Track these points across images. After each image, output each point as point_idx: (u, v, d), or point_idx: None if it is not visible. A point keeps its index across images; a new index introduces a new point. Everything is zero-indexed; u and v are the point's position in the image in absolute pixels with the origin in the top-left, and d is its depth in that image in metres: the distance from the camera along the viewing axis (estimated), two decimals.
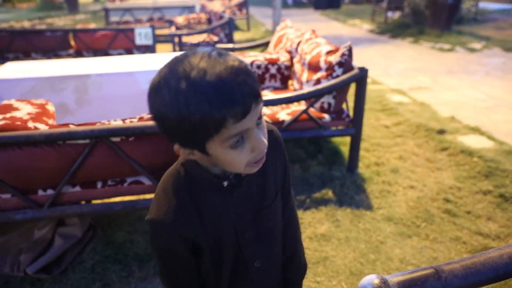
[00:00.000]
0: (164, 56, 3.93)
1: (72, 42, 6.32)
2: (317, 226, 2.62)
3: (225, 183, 0.85)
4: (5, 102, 2.51)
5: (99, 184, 2.27)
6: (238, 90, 0.66)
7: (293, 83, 3.94)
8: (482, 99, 5.06)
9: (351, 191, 2.99)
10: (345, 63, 3.08)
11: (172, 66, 0.68)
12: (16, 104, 2.44)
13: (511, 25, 10.74)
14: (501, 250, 1.12)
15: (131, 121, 2.22)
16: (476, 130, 3.96)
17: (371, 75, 6.37)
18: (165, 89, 0.67)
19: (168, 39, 7.24)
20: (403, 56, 7.84)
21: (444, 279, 1.07)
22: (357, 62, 3.13)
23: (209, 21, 8.60)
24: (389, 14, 11.92)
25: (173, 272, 0.93)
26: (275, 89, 3.97)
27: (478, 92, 5.33)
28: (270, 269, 1.01)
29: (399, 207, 2.81)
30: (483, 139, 3.75)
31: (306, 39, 3.82)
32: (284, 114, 3.10)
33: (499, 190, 2.88)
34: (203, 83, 0.65)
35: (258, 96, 0.71)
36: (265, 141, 0.76)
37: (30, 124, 2.18)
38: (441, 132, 3.91)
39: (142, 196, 2.40)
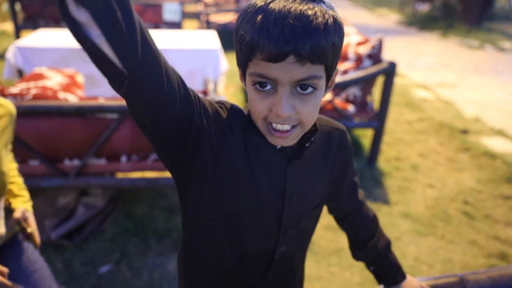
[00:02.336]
0: (191, 33, 3.93)
1: None
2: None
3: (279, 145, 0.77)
4: (36, 69, 2.55)
5: (123, 158, 2.31)
6: (279, 30, 0.61)
7: None
8: (509, 101, 4.95)
9: (369, 185, 2.98)
10: (375, 56, 3.04)
11: None
12: (47, 73, 2.48)
13: None
14: None
15: None
16: (500, 133, 3.90)
17: None
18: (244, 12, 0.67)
19: (195, 14, 7.18)
20: (430, 50, 7.68)
21: None
22: (383, 54, 3.09)
23: (237, 0, 8.51)
24: (418, 6, 11.64)
25: None
26: None
27: (505, 94, 5.22)
28: (287, 274, 0.94)
29: (416, 205, 2.80)
30: (508, 143, 3.69)
31: None
32: None
33: None
34: (266, 10, 0.63)
35: (305, 56, 0.62)
36: (288, 110, 0.66)
37: (61, 94, 2.22)
38: (465, 132, 3.86)
39: (164, 174, 2.43)
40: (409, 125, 4.08)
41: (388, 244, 1.02)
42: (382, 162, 3.31)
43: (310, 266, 2.23)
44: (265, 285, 0.90)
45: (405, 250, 2.38)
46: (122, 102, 2.14)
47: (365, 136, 3.70)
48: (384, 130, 3.15)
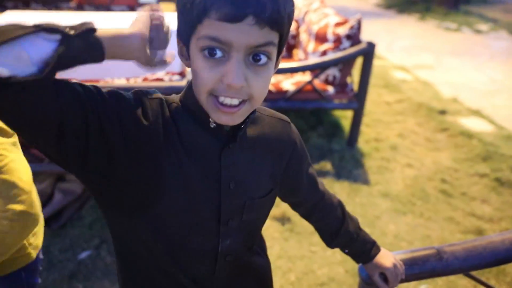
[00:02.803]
0: (168, 15, 3.84)
1: None
2: None
3: (211, 122, 0.70)
4: None
5: None
6: None
7: (297, 53, 3.88)
8: (485, 82, 5.04)
9: (349, 165, 3.01)
10: (354, 36, 3.03)
11: None
12: None
13: None
14: (503, 236, 1.14)
15: (135, 81, 2.19)
16: (477, 113, 3.97)
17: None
18: None
19: None
20: (408, 33, 7.73)
21: (445, 260, 1.10)
22: (362, 35, 3.09)
23: None
24: None
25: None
26: None
27: (481, 75, 5.30)
28: (235, 263, 0.87)
29: (396, 184, 2.84)
30: (483, 123, 3.76)
31: (314, 9, 3.74)
32: (288, 83, 3.07)
33: (496, 174, 2.92)
34: None
35: (265, 19, 0.57)
36: (241, 80, 0.60)
37: None
38: (442, 112, 3.91)
39: None
40: (388, 106, 4.11)
41: (357, 224, 1.02)
42: (362, 143, 3.33)
43: (292, 246, 2.24)
44: (217, 283, 0.85)
45: (385, 229, 2.41)
46: (98, 83, 2.08)
47: (345, 118, 3.71)
48: (364, 111, 3.16)
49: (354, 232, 1.00)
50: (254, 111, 0.73)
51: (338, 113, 3.82)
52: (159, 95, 0.72)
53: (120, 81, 2.17)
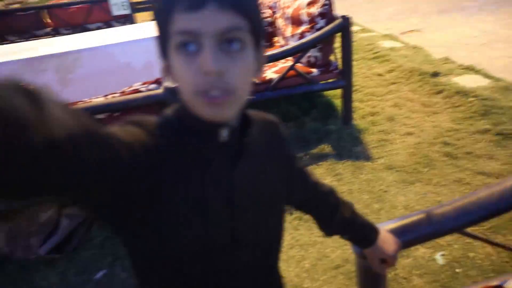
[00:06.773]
0: (143, 25, 3.82)
1: (48, 20, 6.13)
2: None
3: (224, 133, 0.67)
4: None
5: None
6: None
7: (278, 40, 3.84)
8: (476, 35, 4.96)
9: (348, 144, 2.98)
10: (327, 13, 2.98)
11: None
12: None
13: None
14: (491, 189, 1.11)
15: (113, 97, 2.18)
16: (470, 69, 3.91)
17: (359, 22, 6.22)
18: None
19: (147, 6, 7.09)
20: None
21: (436, 222, 1.07)
22: (343, 10, 3.04)
23: None
24: None
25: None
26: None
27: (472, 29, 5.22)
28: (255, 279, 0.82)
29: (398, 155, 2.81)
30: (478, 78, 3.70)
31: None
32: (271, 72, 3.04)
33: (497, 128, 2.87)
34: None
35: (227, 2, 0.58)
36: (217, 63, 0.58)
37: None
38: (435, 74, 3.86)
39: None
40: (380, 77, 4.07)
41: (351, 208, 0.98)
42: (358, 120, 3.30)
43: (302, 234, 2.23)
44: None
45: (394, 201, 2.39)
46: (76, 106, 2.07)
47: (338, 97, 3.67)
48: (355, 87, 3.13)
49: (350, 217, 0.97)
50: (249, 122, 0.72)
51: (330, 93, 3.79)
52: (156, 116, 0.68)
53: (98, 100, 2.15)
